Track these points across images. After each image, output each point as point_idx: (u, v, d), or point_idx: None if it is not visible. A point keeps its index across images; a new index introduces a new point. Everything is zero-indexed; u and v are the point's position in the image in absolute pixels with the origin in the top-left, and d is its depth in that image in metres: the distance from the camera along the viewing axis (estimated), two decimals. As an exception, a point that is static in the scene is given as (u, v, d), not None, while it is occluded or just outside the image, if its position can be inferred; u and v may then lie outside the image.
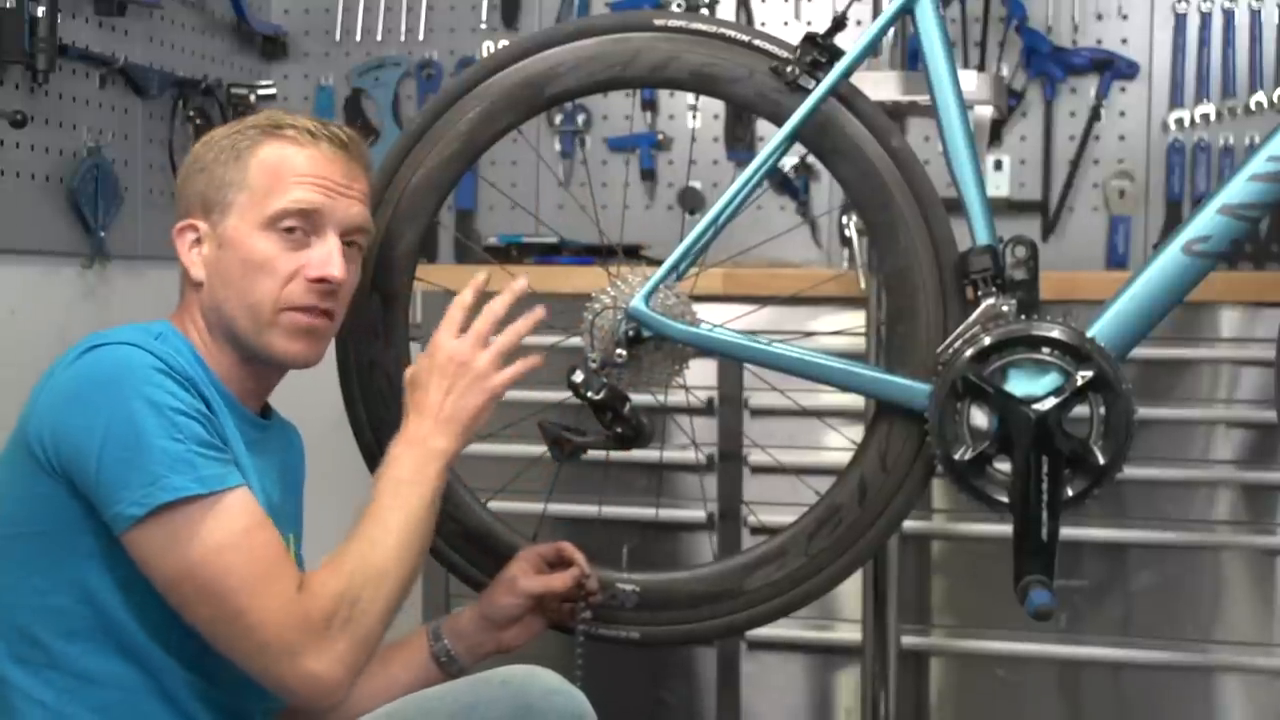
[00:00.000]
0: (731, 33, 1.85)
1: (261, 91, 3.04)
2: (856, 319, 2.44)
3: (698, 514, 2.50)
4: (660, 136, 3.11)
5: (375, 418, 1.88)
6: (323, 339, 1.67)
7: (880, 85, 2.32)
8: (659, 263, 1.87)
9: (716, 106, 3.06)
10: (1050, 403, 1.76)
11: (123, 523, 1.48)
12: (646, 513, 2.41)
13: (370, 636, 1.54)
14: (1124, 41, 2.92)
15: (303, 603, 1.51)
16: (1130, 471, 1.83)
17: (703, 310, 1.90)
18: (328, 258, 1.62)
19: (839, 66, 1.80)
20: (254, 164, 1.62)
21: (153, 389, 1.50)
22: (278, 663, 1.50)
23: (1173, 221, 2.86)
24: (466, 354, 1.67)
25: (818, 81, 1.80)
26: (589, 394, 1.81)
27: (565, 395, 1.84)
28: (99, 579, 1.53)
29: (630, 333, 1.84)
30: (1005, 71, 2.94)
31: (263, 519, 1.53)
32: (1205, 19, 2.87)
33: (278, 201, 1.61)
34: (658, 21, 1.86)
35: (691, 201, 3.05)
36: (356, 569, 1.54)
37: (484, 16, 3.16)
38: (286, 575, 1.52)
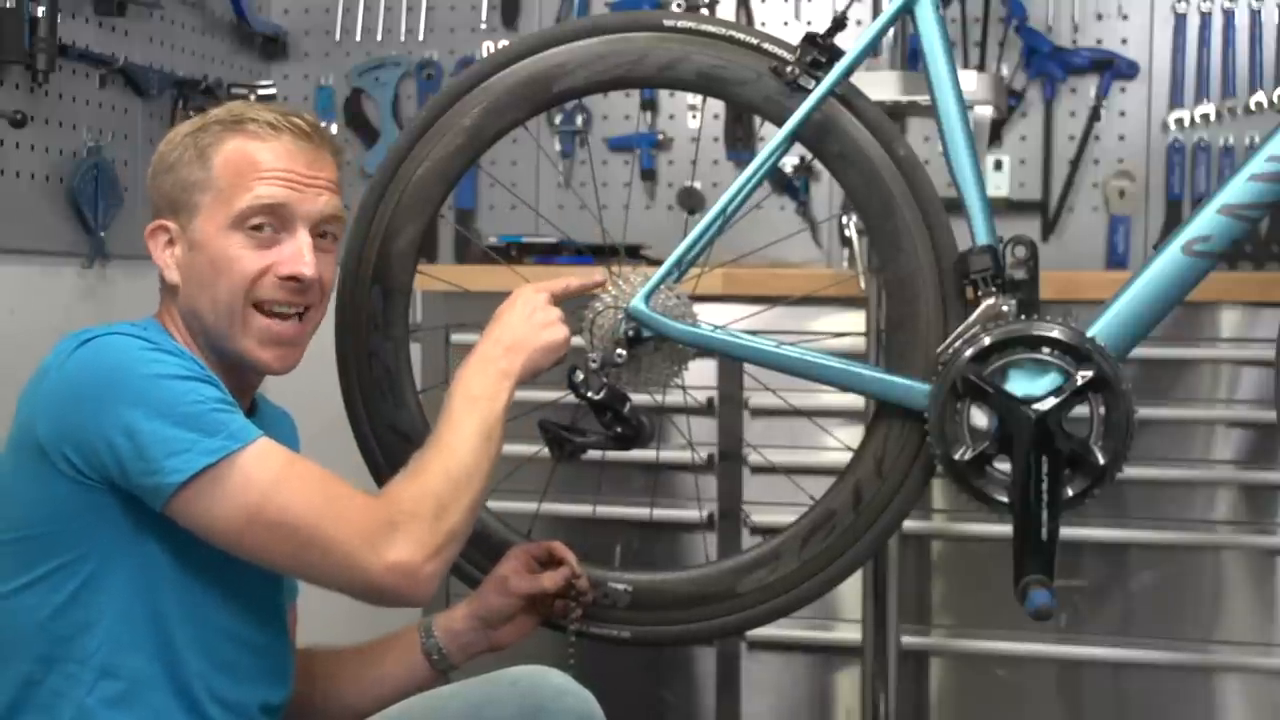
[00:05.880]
0: (740, 35, 1.85)
1: (261, 91, 3.04)
2: (857, 319, 2.43)
3: (696, 514, 2.50)
4: (660, 136, 3.11)
5: (373, 409, 1.88)
6: (297, 345, 1.66)
7: (880, 85, 2.32)
8: (659, 263, 1.87)
9: (716, 106, 3.06)
10: (1050, 403, 1.76)
11: (164, 492, 1.49)
12: (642, 513, 2.41)
13: (456, 532, 1.57)
14: (1124, 41, 2.92)
15: (381, 504, 1.55)
16: (1130, 471, 1.83)
17: (702, 310, 1.90)
18: (298, 254, 1.62)
19: (839, 66, 1.81)
20: (218, 162, 1.61)
21: (157, 364, 1.52)
22: (366, 563, 1.52)
23: (1173, 221, 2.86)
24: (543, 302, 1.76)
25: (818, 81, 1.80)
26: (589, 393, 1.81)
27: (565, 394, 1.84)
28: (120, 574, 1.54)
29: (630, 332, 1.84)
30: (1005, 71, 2.94)
31: (295, 454, 1.57)
32: (1205, 19, 2.87)
33: (243, 200, 1.60)
34: (667, 22, 1.86)
35: (691, 201, 3.05)
36: (436, 471, 1.58)
37: (484, 16, 3.16)
38: (346, 488, 1.55)
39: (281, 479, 1.51)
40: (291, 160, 1.63)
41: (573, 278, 1.85)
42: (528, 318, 1.74)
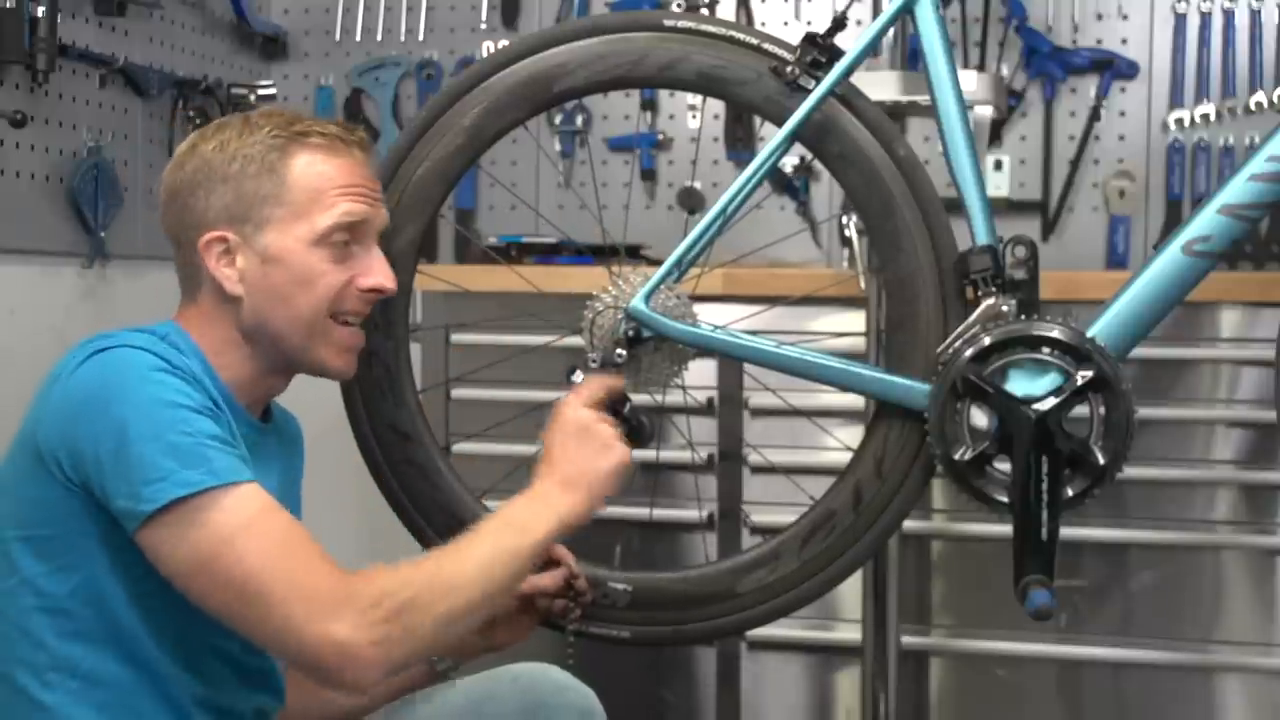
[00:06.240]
0: (740, 35, 1.84)
1: (261, 91, 3.04)
2: (857, 318, 2.43)
3: (696, 514, 2.50)
4: (660, 136, 3.11)
5: (373, 409, 1.89)
6: (360, 349, 1.70)
7: (880, 85, 2.32)
8: (659, 263, 1.87)
9: (716, 106, 3.06)
10: (1050, 402, 1.76)
11: (135, 519, 1.47)
12: (642, 512, 2.41)
13: (418, 637, 1.48)
14: (1124, 41, 2.92)
15: (347, 580, 1.47)
16: (1130, 471, 1.83)
17: (702, 310, 1.90)
18: (380, 267, 1.65)
19: (839, 66, 1.80)
20: (291, 176, 1.60)
21: (159, 387, 1.50)
22: (301, 631, 1.44)
23: (1173, 221, 2.87)
24: (593, 419, 1.68)
25: (818, 81, 1.80)
26: (589, 394, 1.81)
27: (565, 394, 1.84)
28: (107, 582, 1.53)
29: (630, 332, 1.84)
30: (1005, 71, 2.94)
31: (277, 506, 1.51)
32: (1205, 19, 2.87)
33: (327, 217, 1.60)
34: (667, 22, 1.86)
35: (691, 201, 3.05)
36: (422, 574, 1.51)
37: (484, 16, 3.17)
38: (312, 552, 1.48)
39: (247, 527, 1.46)
40: (361, 174, 1.64)
41: (596, 381, 1.76)
42: (579, 445, 1.66)
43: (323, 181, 1.61)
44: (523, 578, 1.61)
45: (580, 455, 1.65)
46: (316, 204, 1.60)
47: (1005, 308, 1.80)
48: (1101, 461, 1.77)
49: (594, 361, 1.84)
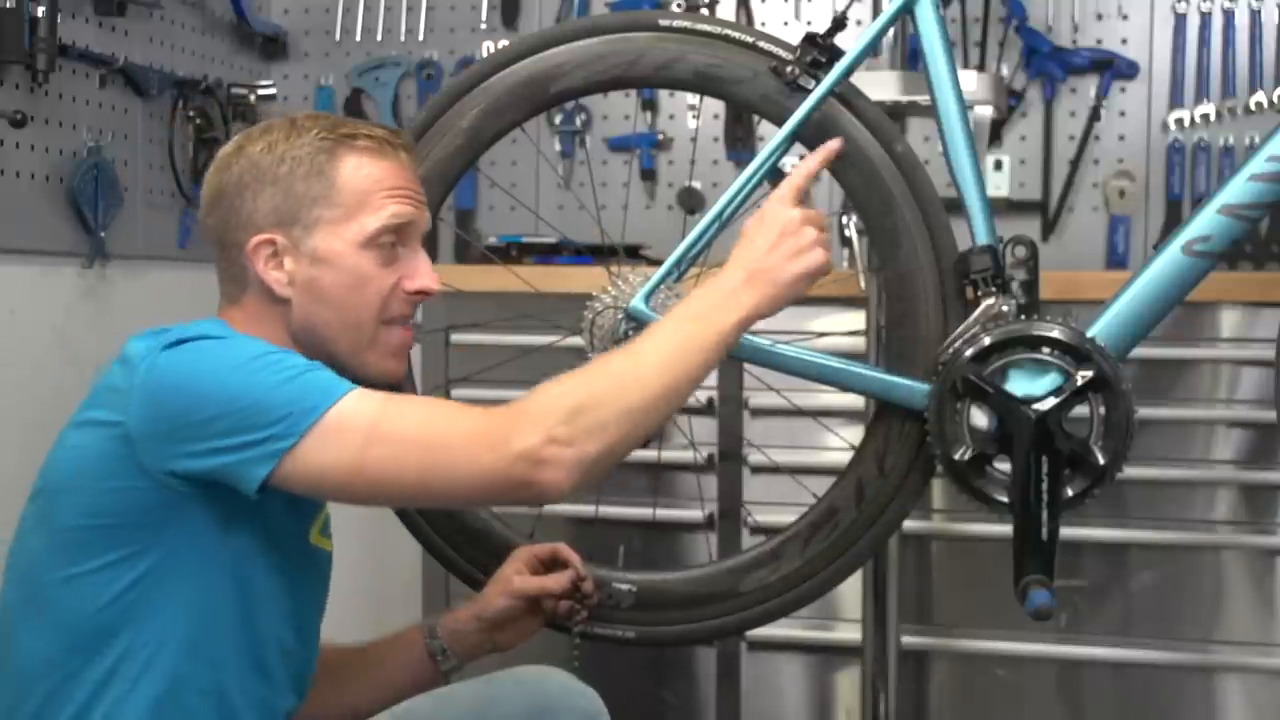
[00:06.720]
0: (736, 34, 1.85)
1: (261, 91, 3.04)
2: (857, 318, 2.43)
3: (697, 514, 2.50)
4: (660, 136, 3.11)
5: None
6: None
7: (880, 85, 2.32)
8: (659, 263, 1.87)
9: (716, 106, 3.07)
10: (1050, 403, 1.76)
11: (267, 464, 1.46)
12: (644, 513, 2.41)
13: (605, 433, 1.48)
14: (1124, 41, 2.92)
15: (510, 406, 1.48)
16: (1130, 471, 1.83)
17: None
18: (425, 269, 1.66)
19: (839, 66, 1.80)
20: (340, 178, 1.61)
21: (243, 348, 1.52)
22: (491, 456, 1.46)
23: (1173, 221, 2.87)
24: (797, 222, 1.65)
25: (818, 81, 1.80)
26: (589, 394, 1.81)
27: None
28: (181, 573, 1.52)
29: (630, 332, 1.84)
30: (1005, 71, 2.94)
31: (391, 394, 1.54)
32: (1205, 19, 2.87)
33: (376, 219, 1.61)
34: (663, 22, 1.86)
35: (691, 201, 3.05)
36: (592, 374, 1.52)
37: (484, 16, 3.17)
38: (457, 403, 1.51)
39: (385, 412, 1.48)
40: (407, 176, 1.65)
41: (806, 163, 1.73)
42: (775, 244, 1.63)
43: (370, 184, 1.62)
44: (707, 370, 1.58)
45: (774, 253, 1.63)
46: (365, 206, 1.61)
47: (1005, 308, 1.80)
48: (1101, 461, 1.77)
49: (594, 362, 1.84)
